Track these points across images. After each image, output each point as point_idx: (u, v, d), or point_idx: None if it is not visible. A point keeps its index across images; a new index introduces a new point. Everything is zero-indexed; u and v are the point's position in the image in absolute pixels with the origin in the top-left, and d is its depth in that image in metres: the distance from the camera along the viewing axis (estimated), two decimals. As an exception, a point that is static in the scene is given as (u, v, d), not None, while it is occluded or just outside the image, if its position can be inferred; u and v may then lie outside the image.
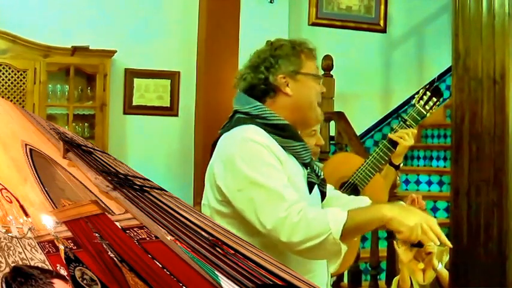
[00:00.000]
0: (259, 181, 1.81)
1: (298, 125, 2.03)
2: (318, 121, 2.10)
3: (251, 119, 1.95)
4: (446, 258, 3.35)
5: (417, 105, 2.64)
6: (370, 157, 2.67)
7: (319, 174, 2.07)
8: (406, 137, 2.62)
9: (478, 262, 2.79)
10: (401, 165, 2.79)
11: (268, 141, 1.89)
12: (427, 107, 2.63)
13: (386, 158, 2.68)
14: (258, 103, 1.98)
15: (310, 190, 2.00)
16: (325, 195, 2.13)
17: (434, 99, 2.64)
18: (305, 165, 2.01)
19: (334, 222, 1.73)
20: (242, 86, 2.04)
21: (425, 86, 2.73)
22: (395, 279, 3.43)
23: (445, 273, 3.28)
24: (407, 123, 2.64)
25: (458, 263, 2.98)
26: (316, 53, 2.09)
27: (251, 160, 1.84)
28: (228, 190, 1.86)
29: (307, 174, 2.01)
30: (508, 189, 2.74)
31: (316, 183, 2.01)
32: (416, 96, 2.67)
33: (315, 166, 2.06)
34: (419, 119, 2.65)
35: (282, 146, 1.94)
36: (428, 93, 2.63)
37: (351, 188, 2.67)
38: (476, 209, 2.81)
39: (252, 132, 1.90)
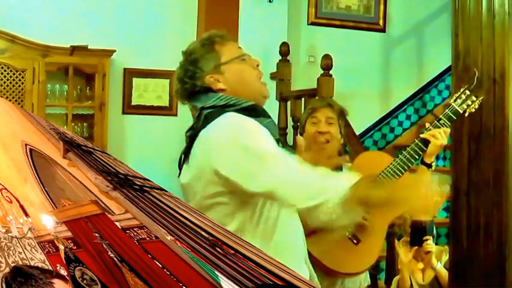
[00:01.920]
0: (271, 151, 1.78)
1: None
2: (265, 95, 2.03)
3: (221, 109, 1.91)
4: (445, 257, 3.36)
5: (453, 104, 2.55)
6: (400, 155, 2.58)
7: None
8: (438, 136, 2.51)
9: (477, 262, 2.79)
10: (434, 164, 2.64)
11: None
12: (465, 106, 2.53)
13: (417, 157, 2.57)
14: (220, 94, 1.95)
15: None
16: None
17: (474, 97, 2.54)
18: (276, 141, 1.98)
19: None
20: (184, 94, 2.03)
21: (465, 85, 2.61)
22: (395, 279, 3.44)
23: (444, 273, 3.29)
24: (441, 122, 2.53)
25: (458, 263, 2.98)
26: (229, 36, 2.02)
27: (256, 136, 1.81)
28: (235, 172, 1.77)
29: None
30: (508, 189, 2.74)
31: None
32: (454, 94, 2.59)
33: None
34: (454, 118, 2.53)
35: None
36: (468, 92, 2.53)
37: None
38: (476, 209, 2.81)
39: (238, 116, 1.87)
